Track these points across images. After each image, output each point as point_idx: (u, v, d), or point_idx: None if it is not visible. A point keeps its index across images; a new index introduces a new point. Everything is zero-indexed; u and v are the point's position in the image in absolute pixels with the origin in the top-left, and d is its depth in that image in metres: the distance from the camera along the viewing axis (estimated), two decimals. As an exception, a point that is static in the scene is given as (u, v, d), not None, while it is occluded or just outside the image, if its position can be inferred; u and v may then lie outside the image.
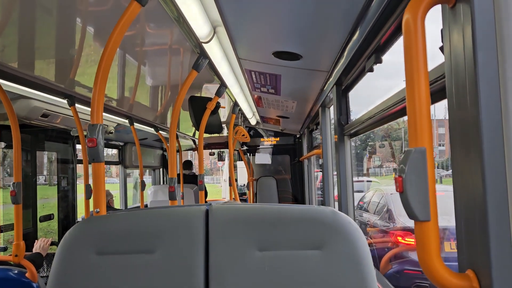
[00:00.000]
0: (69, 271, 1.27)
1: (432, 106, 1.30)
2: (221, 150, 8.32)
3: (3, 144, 3.43)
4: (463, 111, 0.88)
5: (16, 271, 2.50)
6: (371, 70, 1.83)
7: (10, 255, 2.71)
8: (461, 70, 0.88)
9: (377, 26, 1.53)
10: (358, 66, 2.06)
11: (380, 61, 1.72)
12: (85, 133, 3.58)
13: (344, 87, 2.51)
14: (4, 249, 3.49)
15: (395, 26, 1.45)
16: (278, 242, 1.25)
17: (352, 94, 2.57)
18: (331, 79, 2.63)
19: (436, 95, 1.13)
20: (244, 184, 9.91)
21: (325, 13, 1.75)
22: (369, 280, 1.21)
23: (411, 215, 0.84)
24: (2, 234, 3.57)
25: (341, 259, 1.22)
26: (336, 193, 3.27)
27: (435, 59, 1.09)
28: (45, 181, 4.71)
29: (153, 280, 1.24)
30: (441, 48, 1.00)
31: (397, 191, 0.87)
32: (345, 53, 2.04)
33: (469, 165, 0.85)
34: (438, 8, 0.95)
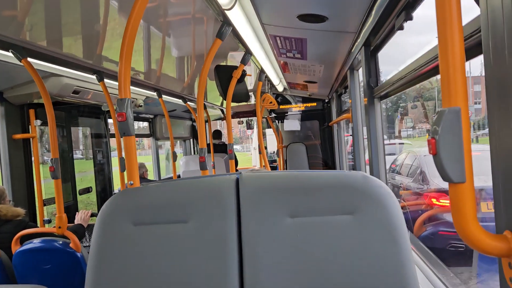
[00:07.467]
0: (109, 241, 1.32)
1: (466, 63, 1.23)
2: (250, 118, 8.32)
3: (39, 122, 3.55)
4: (500, 67, 0.83)
5: (60, 242, 2.63)
6: (401, 28, 1.74)
7: (54, 227, 2.86)
8: (498, 23, 0.83)
9: (407, -19, 1.45)
10: (387, 25, 1.97)
11: (410, 18, 1.63)
12: (115, 107, 3.65)
13: (372, 48, 2.42)
14: (48, 221, 3.68)
15: (426, -21, 1.37)
16: (309, 208, 1.25)
17: (382, 54, 2.48)
18: (359, 40, 2.54)
19: (471, 51, 1.07)
20: (274, 152, 9.93)
21: (351, -30, 1.67)
22: (402, 244, 1.20)
23: (445, 177, 0.82)
24: (45, 207, 3.75)
25: (373, 223, 1.21)
26: (367, 157, 3.23)
27: (468, 13, 1.02)
28: (81, 155, 4.88)
29: (187, 249, 1.27)
30: (477, 0, 0.94)
31: (430, 153, 0.84)
32: (373, 12, 1.95)
33: (507, 124, 0.81)
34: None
